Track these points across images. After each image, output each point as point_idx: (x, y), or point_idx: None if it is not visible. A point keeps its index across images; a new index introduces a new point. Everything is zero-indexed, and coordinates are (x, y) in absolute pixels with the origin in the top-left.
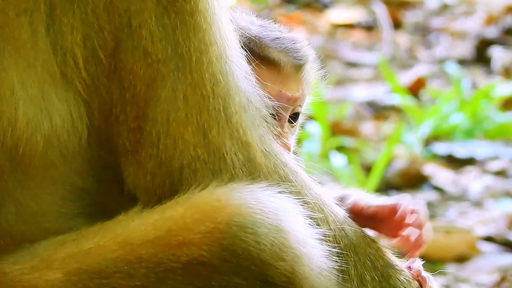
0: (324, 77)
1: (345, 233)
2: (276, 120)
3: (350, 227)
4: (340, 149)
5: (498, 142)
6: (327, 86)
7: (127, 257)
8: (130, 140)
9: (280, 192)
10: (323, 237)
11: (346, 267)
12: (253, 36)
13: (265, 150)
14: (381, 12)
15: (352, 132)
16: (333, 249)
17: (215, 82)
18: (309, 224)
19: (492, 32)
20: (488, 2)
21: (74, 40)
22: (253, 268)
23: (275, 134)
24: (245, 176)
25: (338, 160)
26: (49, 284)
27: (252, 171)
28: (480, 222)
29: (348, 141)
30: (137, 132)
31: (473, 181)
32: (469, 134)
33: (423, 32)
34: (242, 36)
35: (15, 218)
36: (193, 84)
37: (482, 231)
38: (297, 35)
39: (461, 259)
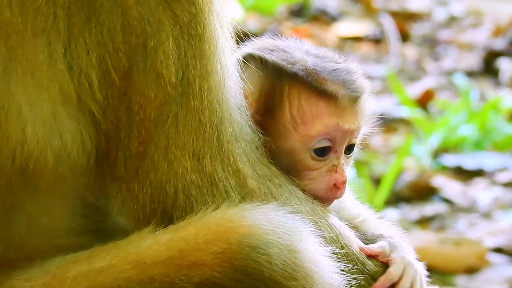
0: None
1: (348, 247)
2: (332, 152)
3: (351, 242)
4: None
5: (506, 154)
6: None
7: (139, 277)
8: (127, 166)
9: (291, 212)
10: (331, 254)
11: (357, 283)
12: (310, 69)
13: (257, 174)
14: (389, 25)
15: (361, 145)
16: (343, 266)
17: (212, 110)
18: (318, 242)
19: (499, 43)
20: (496, 13)
21: (90, 61)
22: None
23: (331, 166)
24: (239, 200)
25: (348, 172)
26: None
27: (245, 195)
28: (490, 234)
29: (357, 154)
30: (138, 158)
31: (482, 193)
32: (478, 145)
33: (431, 44)
34: (299, 69)
35: (27, 232)
36: (194, 110)
37: (491, 242)
38: (352, 65)
39: (471, 270)
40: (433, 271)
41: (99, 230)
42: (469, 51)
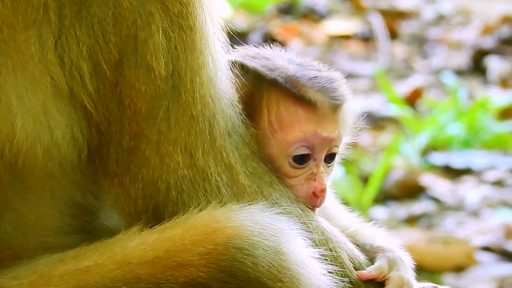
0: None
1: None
2: (312, 160)
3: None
4: None
5: (495, 152)
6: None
7: (125, 277)
8: (119, 161)
9: (279, 213)
10: (319, 256)
11: (344, 286)
12: (289, 76)
13: (249, 171)
14: (378, 23)
15: (349, 143)
16: (330, 268)
17: (204, 104)
18: (306, 244)
19: (488, 42)
20: (484, 12)
21: (81, 53)
22: None
23: (310, 174)
24: (230, 196)
25: (336, 171)
26: None
27: (236, 191)
28: (478, 232)
29: (345, 153)
30: (130, 153)
31: (470, 191)
32: (466, 144)
33: (420, 42)
34: (279, 76)
35: (14, 230)
36: (185, 104)
37: (479, 241)
38: (335, 74)
39: (459, 269)
40: (421, 269)
41: (87, 230)
42: (458, 49)
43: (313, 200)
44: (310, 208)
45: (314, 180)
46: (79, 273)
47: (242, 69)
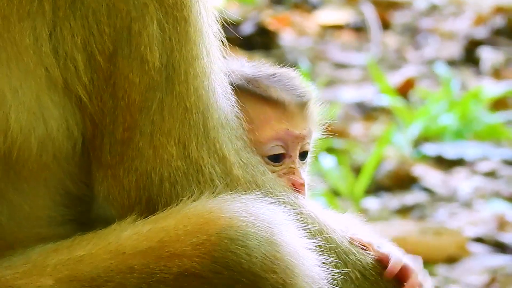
0: (315, 79)
1: (331, 239)
2: (287, 158)
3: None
4: (330, 150)
5: (487, 143)
6: (316, 87)
7: (118, 267)
8: (112, 153)
9: (271, 203)
10: (313, 247)
11: (340, 276)
12: (249, 77)
13: (242, 162)
14: (370, 13)
15: (341, 133)
16: (325, 258)
17: (198, 96)
18: (300, 234)
19: (481, 32)
20: (477, 2)
21: (75, 44)
22: (244, 280)
23: (288, 169)
24: (224, 188)
25: (328, 161)
26: None
27: (230, 182)
28: (470, 223)
29: (337, 143)
30: (124, 144)
31: (462, 182)
32: (459, 135)
33: (412, 33)
34: (239, 78)
35: (8, 220)
36: (179, 96)
37: (472, 232)
38: (291, 71)
39: (451, 260)
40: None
41: (80, 221)
42: (450, 40)
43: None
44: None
45: (293, 173)
46: (73, 263)
47: None
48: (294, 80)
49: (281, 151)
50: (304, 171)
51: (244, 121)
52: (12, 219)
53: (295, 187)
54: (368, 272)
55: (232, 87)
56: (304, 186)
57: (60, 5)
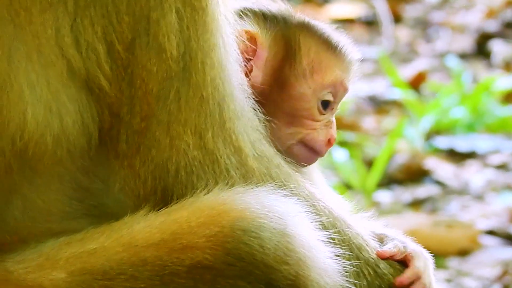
0: None
1: (344, 233)
2: (330, 108)
3: (348, 228)
4: (342, 144)
5: (499, 136)
6: None
7: (131, 259)
8: (129, 142)
9: (284, 195)
10: (326, 239)
11: (352, 270)
12: (320, 25)
13: (257, 154)
14: (381, 7)
15: (353, 127)
16: (337, 251)
17: (215, 86)
18: (313, 226)
19: (492, 25)
20: None
21: (95, 33)
22: (257, 272)
23: (327, 122)
24: (239, 178)
25: (340, 155)
26: (53, 284)
27: (245, 174)
28: (482, 216)
29: (349, 136)
30: (141, 134)
31: (474, 175)
32: (470, 128)
33: (424, 26)
34: (304, 19)
35: (22, 215)
36: (196, 85)
37: (483, 225)
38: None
39: (463, 253)
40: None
41: (92, 215)
42: (462, 33)
43: (327, 146)
44: (310, 160)
45: (331, 127)
46: (85, 256)
47: (264, 17)
48: (350, 41)
49: (331, 98)
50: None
51: (307, 62)
52: (26, 213)
53: (329, 141)
54: (381, 270)
55: (301, 28)
56: (335, 141)
57: None
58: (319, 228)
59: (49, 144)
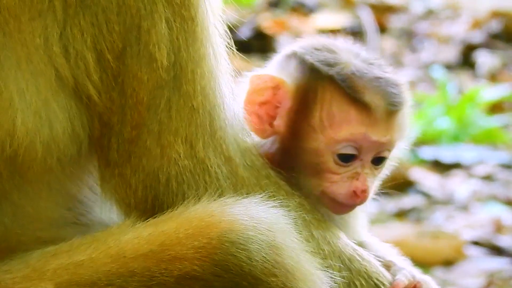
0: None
1: (334, 244)
2: (358, 160)
3: (337, 239)
4: None
5: (484, 147)
6: None
7: (119, 270)
8: (120, 151)
9: (273, 207)
10: (315, 251)
11: (342, 281)
12: (350, 73)
13: (247, 164)
14: (367, 17)
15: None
16: (327, 262)
17: (205, 95)
18: (301, 238)
19: (477, 36)
20: (473, 7)
21: (85, 42)
22: (245, 283)
23: (353, 173)
24: (229, 188)
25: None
26: None
27: (235, 183)
28: (467, 226)
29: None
30: (131, 143)
31: (459, 186)
32: (455, 138)
33: (409, 37)
34: (337, 73)
35: (11, 222)
36: (186, 95)
37: (468, 235)
38: (399, 78)
39: (448, 263)
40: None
41: (81, 224)
42: (447, 44)
43: (353, 198)
44: (341, 210)
45: (357, 179)
46: (73, 267)
47: (300, 61)
48: (396, 87)
49: (353, 152)
50: (374, 177)
51: (321, 116)
52: (16, 220)
53: (355, 193)
54: (373, 282)
55: (327, 79)
56: (366, 193)
57: (71, 3)
58: (308, 240)
59: (38, 151)
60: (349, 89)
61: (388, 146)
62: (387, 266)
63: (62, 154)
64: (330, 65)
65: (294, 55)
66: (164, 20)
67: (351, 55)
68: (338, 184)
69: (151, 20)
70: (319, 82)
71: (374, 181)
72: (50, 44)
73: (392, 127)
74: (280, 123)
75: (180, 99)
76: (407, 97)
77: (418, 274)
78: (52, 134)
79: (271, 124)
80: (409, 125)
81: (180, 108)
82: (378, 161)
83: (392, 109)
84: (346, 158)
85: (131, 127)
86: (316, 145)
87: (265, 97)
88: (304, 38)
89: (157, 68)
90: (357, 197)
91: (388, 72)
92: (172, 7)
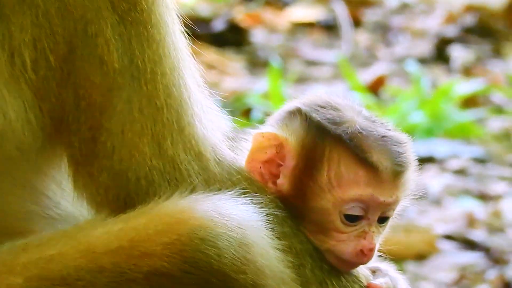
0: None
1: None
2: (365, 220)
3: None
4: None
5: (457, 141)
6: (287, 84)
7: (89, 266)
8: (82, 151)
9: (244, 203)
10: (286, 249)
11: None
12: (356, 132)
13: (218, 159)
14: (341, 11)
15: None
16: (298, 262)
17: (168, 93)
18: (272, 235)
19: (451, 31)
20: (448, 1)
21: (23, 40)
22: (214, 280)
23: (361, 232)
24: (201, 184)
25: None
26: None
27: (207, 179)
28: (440, 221)
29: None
30: (91, 143)
31: (432, 180)
32: (429, 132)
33: (383, 30)
34: (344, 132)
35: None
36: (148, 95)
37: (441, 229)
38: (403, 136)
39: (421, 257)
40: (383, 257)
41: (50, 217)
42: (421, 38)
43: (360, 257)
44: (346, 267)
45: (364, 238)
46: (43, 262)
47: (306, 120)
48: (401, 147)
49: (360, 213)
50: (380, 235)
51: (329, 176)
52: None
53: (362, 252)
54: (344, 282)
55: (334, 138)
56: (373, 251)
57: (5, 3)
58: (280, 237)
59: None
60: (356, 149)
61: (393, 206)
62: (373, 271)
63: (20, 142)
64: (336, 123)
65: (298, 112)
66: (110, 26)
67: (354, 113)
68: (345, 242)
69: (98, 25)
70: (326, 140)
71: (379, 239)
72: None
73: (398, 187)
74: (283, 181)
75: (142, 99)
76: (412, 156)
77: (401, 283)
78: (6, 120)
79: (274, 183)
80: (413, 184)
81: (143, 108)
82: (383, 219)
83: (398, 169)
84: (353, 218)
85: (87, 128)
86: (323, 204)
87: (268, 155)
88: (306, 95)
89: (108, 72)
90: (364, 256)
91: (391, 130)
92: (118, 12)
